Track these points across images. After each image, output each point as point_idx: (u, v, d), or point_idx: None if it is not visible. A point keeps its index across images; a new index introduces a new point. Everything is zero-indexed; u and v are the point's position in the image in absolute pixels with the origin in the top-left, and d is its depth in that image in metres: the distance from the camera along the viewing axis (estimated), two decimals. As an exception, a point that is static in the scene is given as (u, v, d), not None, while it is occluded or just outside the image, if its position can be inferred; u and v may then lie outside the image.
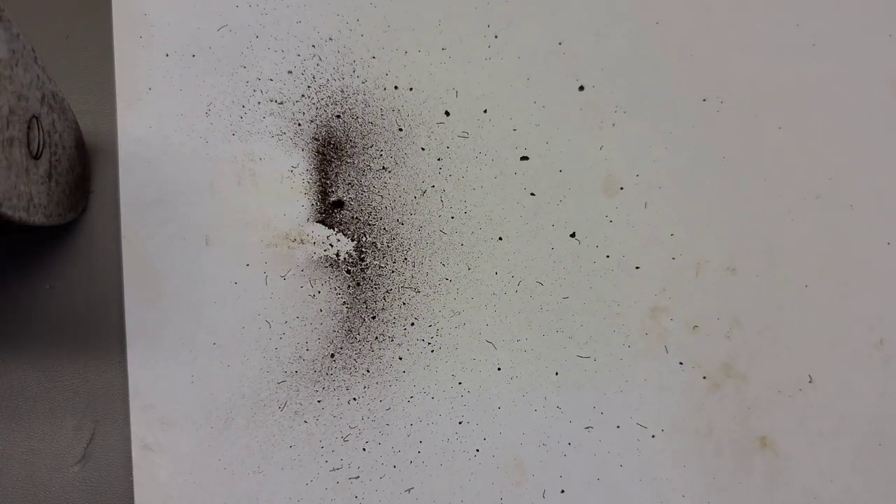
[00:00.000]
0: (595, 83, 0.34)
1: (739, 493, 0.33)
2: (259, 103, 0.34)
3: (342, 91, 0.34)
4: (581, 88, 0.34)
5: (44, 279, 0.33)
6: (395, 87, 0.34)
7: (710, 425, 0.34)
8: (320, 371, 0.33)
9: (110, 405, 0.33)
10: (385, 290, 0.34)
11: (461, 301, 0.34)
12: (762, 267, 0.34)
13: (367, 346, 0.33)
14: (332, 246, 0.33)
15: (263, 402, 0.33)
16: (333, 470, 0.33)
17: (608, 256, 0.34)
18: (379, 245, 0.34)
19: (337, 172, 0.34)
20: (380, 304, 0.33)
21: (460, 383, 0.33)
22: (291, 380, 0.33)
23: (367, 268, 0.34)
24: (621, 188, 0.34)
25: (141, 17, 0.34)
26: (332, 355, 0.33)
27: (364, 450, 0.33)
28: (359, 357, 0.33)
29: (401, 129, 0.34)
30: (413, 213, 0.34)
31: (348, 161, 0.34)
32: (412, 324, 0.33)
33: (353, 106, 0.34)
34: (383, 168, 0.34)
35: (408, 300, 0.34)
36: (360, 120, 0.34)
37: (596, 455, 0.33)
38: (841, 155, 0.34)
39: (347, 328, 0.33)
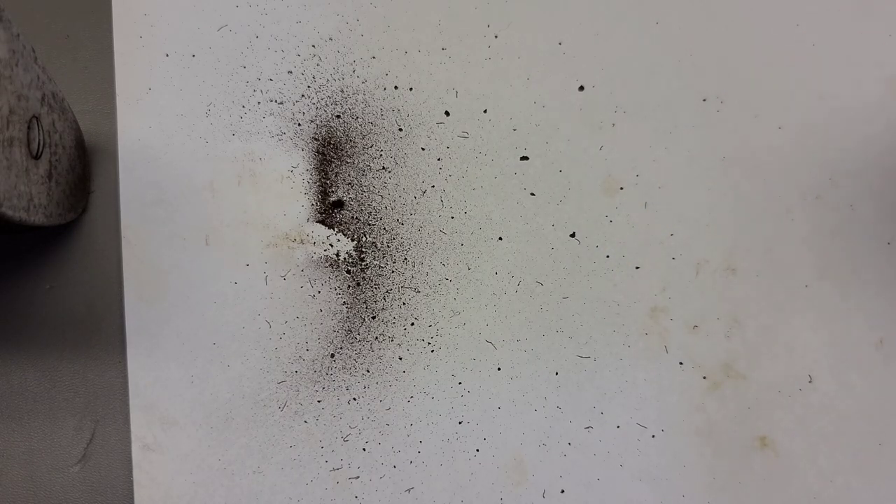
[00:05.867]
0: (595, 83, 0.34)
1: (739, 493, 0.33)
2: (259, 103, 0.34)
3: (342, 91, 0.34)
4: (581, 88, 0.34)
5: (44, 279, 0.33)
6: (395, 87, 0.34)
7: (710, 425, 0.34)
8: (320, 371, 0.33)
9: (110, 405, 0.33)
10: (385, 290, 0.34)
11: (461, 301, 0.34)
12: (762, 267, 0.34)
13: (367, 346, 0.33)
14: (332, 246, 0.33)
15: (263, 402, 0.33)
16: (333, 470, 0.33)
17: (608, 256, 0.34)
18: (379, 245, 0.34)
19: (337, 172, 0.34)
20: (380, 304, 0.33)
21: (460, 383, 0.33)
22: (291, 380, 0.33)
23: (367, 268, 0.34)
24: (621, 188, 0.34)
25: (141, 17, 0.34)
26: (332, 355, 0.33)
27: (364, 450, 0.33)
28: (359, 357, 0.33)
29: (401, 129, 0.34)
30: (413, 213, 0.34)
31: (348, 161, 0.34)
32: (412, 324, 0.33)
33: (353, 106, 0.34)
34: (383, 168, 0.34)
35: (408, 300, 0.34)
36: (360, 120, 0.34)
37: (596, 455, 0.33)
38: (841, 155, 0.34)
39: (347, 328, 0.33)
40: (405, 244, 0.34)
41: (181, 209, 0.33)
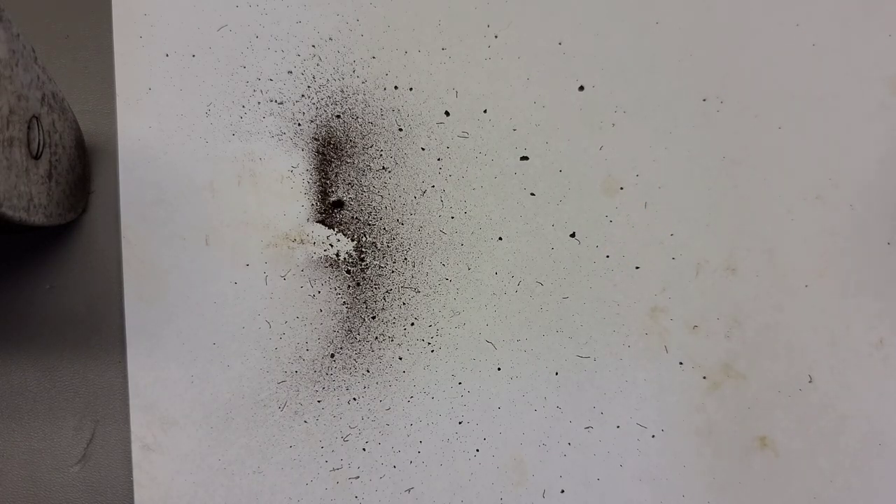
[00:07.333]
0: (595, 83, 0.34)
1: (739, 493, 0.33)
2: (259, 103, 0.34)
3: (342, 91, 0.34)
4: (581, 88, 0.34)
5: (44, 279, 0.33)
6: (395, 87, 0.34)
7: (710, 425, 0.34)
8: (320, 371, 0.33)
9: (110, 405, 0.33)
10: (385, 290, 0.34)
11: (461, 301, 0.34)
12: (762, 267, 0.34)
13: (367, 346, 0.33)
14: (332, 246, 0.33)
15: (263, 402, 0.33)
16: (333, 470, 0.33)
17: (608, 256, 0.34)
18: (379, 245, 0.34)
19: (337, 172, 0.34)
20: (380, 304, 0.33)
21: (460, 383, 0.33)
22: (291, 380, 0.33)
23: (367, 268, 0.34)
24: (621, 188, 0.34)
25: (141, 17, 0.34)
26: (332, 355, 0.33)
27: (364, 450, 0.33)
28: (359, 357, 0.33)
29: (401, 129, 0.34)
30: (413, 213, 0.34)
31: (348, 161, 0.34)
32: (412, 324, 0.33)
33: (353, 106, 0.34)
34: (383, 168, 0.34)
35: (408, 300, 0.34)
36: (360, 120, 0.34)
37: (596, 455, 0.33)
38: (841, 155, 0.34)
39: (347, 328, 0.33)
40: (405, 244, 0.34)
41: (181, 209, 0.33)
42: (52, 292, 0.33)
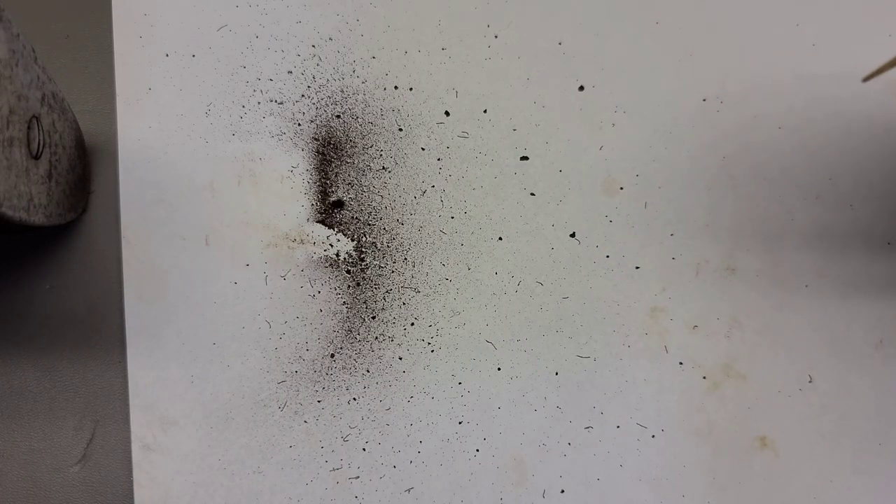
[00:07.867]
0: (595, 83, 0.34)
1: (739, 493, 0.33)
2: (259, 103, 0.34)
3: (342, 91, 0.34)
4: (581, 88, 0.34)
5: (44, 279, 0.33)
6: (395, 87, 0.34)
7: (710, 425, 0.34)
8: (320, 371, 0.33)
9: (110, 405, 0.33)
10: (385, 290, 0.34)
11: (461, 301, 0.34)
12: (762, 267, 0.34)
13: (367, 346, 0.33)
14: (332, 246, 0.33)
15: (263, 402, 0.33)
16: (333, 470, 0.33)
17: (608, 256, 0.34)
18: (379, 245, 0.34)
19: (337, 172, 0.34)
20: (380, 304, 0.33)
21: (460, 383, 0.33)
22: (291, 380, 0.33)
23: (367, 268, 0.34)
24: (621, 188, 0.34)
25: (141, 17, 0.34)
26: (332, 355, 0.33)
27: (364, 450, 0.33)
28: (359, 357, 0.33)
29: (401, 129, 0.34)
30: (413, 213, 0.34)
31: (348, 161, 0.34)
32: (412, 324, 0.33)
33: (353, 106, 0.34)
34: (383, 168, 0.34)
35: (408, 300, 0.34)
36: (360, 120, 0.34)
37: (596, 455, 0.33)
38: (841, 155, 0.34)
39: (347, 328, 0.33)
40: (405, 244, 0.34)
41: (181, 209, 0.33)
42: (52, 292, 0.33)
